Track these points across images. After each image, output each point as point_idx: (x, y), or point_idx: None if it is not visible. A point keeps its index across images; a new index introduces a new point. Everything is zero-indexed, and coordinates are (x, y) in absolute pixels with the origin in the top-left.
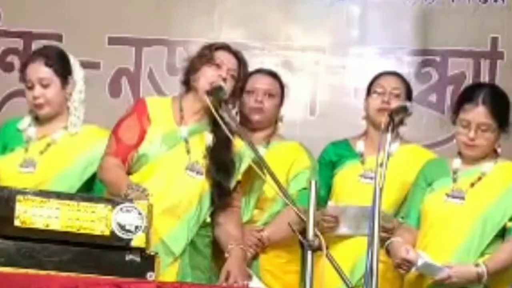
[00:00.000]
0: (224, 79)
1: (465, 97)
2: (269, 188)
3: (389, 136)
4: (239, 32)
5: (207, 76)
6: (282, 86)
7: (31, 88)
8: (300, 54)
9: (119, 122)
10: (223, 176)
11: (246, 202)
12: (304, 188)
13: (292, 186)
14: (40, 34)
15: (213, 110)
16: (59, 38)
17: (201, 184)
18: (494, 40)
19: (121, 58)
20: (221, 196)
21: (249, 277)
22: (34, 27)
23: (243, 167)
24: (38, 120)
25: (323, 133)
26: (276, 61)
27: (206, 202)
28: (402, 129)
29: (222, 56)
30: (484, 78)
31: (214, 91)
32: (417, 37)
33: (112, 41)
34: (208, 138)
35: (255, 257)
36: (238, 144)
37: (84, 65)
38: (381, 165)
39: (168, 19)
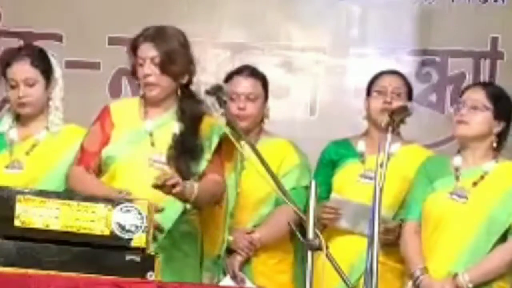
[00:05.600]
0: (149, 75)
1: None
2: (258, 189)
3: (389, 136)
4: (239, 32)
5: (138, 72)
6: (265, 84)
7: (14, 87)
8: (300, 54)
9: (87, 132)
10: (188, 162)
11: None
12: (294, 188)
13: None
14: (40, 34)
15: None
16: (59, 38)
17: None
18: (494, 40)
19: (121, 58)
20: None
21: (242, 281)
22: (34, 27)
23: (213, 146)
24: (19, 120)
25: (323, 133)
26: (276, 61)
27: None
28: (403, 129)
29: (142, 51)
30: (484, 78)
31: (214, 91)
32: (417, 37)
33: (112, 41)
34: (175, 126)
35: (247, 260)
36: (208, 125)
37: (84, 65)
38: (381, 165)
39: (168, 19)
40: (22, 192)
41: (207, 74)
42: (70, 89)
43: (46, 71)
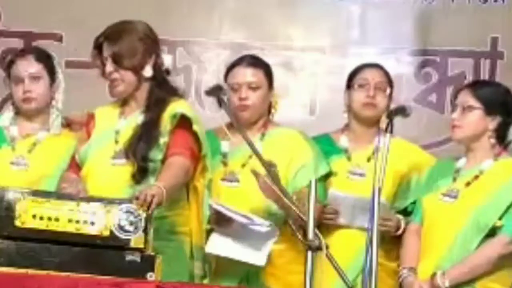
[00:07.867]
0: (111, 72)
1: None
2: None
3: (388, 137)
4: (239, 32)
5: (104, 72)
6: (268, 72)
7: (18, 84)
8: (300, 54)
9: None
10: (146, 150)
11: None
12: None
13: (295, 185)
14: (40, 34)
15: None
16: (59, 38)
17: (127, 169)
18: (494, 40)
19: None
20: (143, 172)
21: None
22: (34, 27)
23: (168, 128)
24: (19, 117)
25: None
26: (276, 61)
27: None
28: (402, 129)
29: (104, 50)
30: (484, 78)
31: (214, 91)
32: (417, 37)
33: None
34: (139, 119)
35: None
36: (171, 111)
37: (84, 65)
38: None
39: (168, 19)
40: (22, 192)
41: (208, 74)
42: (70, 89)
43: (50, 68)
